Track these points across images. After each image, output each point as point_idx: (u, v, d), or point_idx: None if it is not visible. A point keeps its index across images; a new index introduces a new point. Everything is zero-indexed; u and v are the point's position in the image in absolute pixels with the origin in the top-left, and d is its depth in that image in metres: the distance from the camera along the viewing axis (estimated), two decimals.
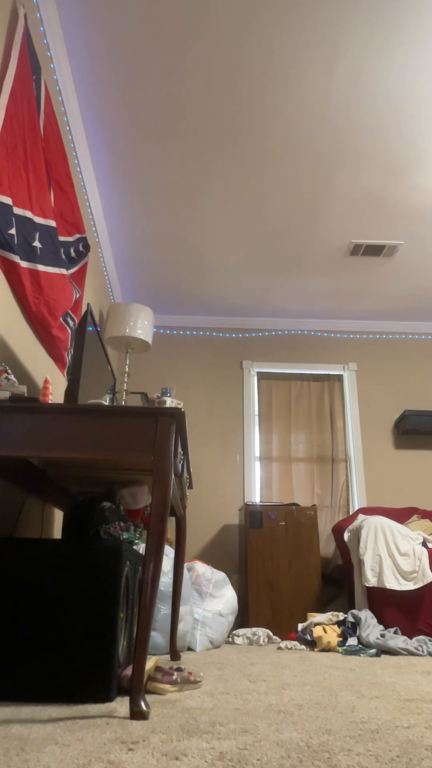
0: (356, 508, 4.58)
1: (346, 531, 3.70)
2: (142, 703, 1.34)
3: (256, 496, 4.65)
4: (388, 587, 3.30)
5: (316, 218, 3.73)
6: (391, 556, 3.40)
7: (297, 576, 3.80)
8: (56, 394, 2.83)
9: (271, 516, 3.93)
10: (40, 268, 2.23)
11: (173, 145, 3.12)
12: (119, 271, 4.41)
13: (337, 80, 2.70)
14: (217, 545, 4.48)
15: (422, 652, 2.90)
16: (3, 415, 1.51)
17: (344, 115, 2.90)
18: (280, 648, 3.04)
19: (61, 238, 2.60)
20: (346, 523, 3.85)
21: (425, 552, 3.44)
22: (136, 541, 2.04)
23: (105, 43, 2.53)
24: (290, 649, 3.03)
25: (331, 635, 3.05)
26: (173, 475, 1.56)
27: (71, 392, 1.86)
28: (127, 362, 4.20)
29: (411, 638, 3.17)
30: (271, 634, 3.39)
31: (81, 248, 2.90)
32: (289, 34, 2.47)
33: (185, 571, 3.08)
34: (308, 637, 3.13)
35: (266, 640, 3.32)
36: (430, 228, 3.81)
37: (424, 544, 3.57)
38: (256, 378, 5.06)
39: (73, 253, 2.77)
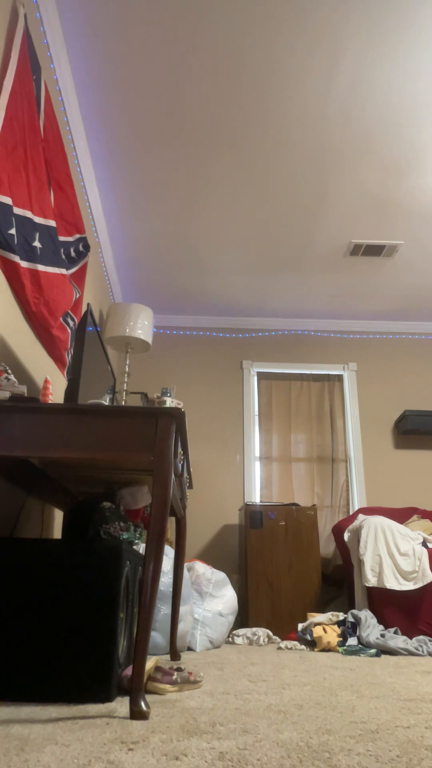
0: (356, 508, 4.58)
1: (346, 531, 3.69)
2: (142, 703, 1.34)
3: (256, 496, 4.65)
4: (388, 587, 3.30)
5: (316, 218, 3.73)
6: (391, 556, 3.40)
7: (297, 576, 3.80)
8: (56, 394, 2.83)
9: (271, 516, 3.93)
10: (40, 268, 2.23)
11: (173, 144, 3.12)
12: (119, 271, 4.41)
13: (336, 81, 2.70)
14: (217, 545, 4.48)
15: (422, 652, 2.90)
16: (3, 415, 1.51)
17: (344, 116, 2.90)
18: (280, 648, 3.04)
19: (61, 238, 2.60)
20: (346, 523, 3.85)
21: (425, 552, 3.44)
22: (136, 541, 2.04)
23: (105, 43, 2.53)
24: (290, 649, 3.03)
25: (331, 635, 3.05)
26: (173, 475, 1.56)
27: (71, 392, 1.86)
28: (127, 362, 4.20)
29: (411, 638, 3.17)
30: (271, 634, 3.39)
31: (81, 248, 2.90)
32: (289, 35, 2.47)
33: (185, 571, 3.08)
34: (308, 637, 3.13)
35: (266, 640, 3.32)
36: (430, 228, 3.81)
37: (424, 544, 3.57)
38: (256, 378, 5.06)
39: (73, 253, 2.77)
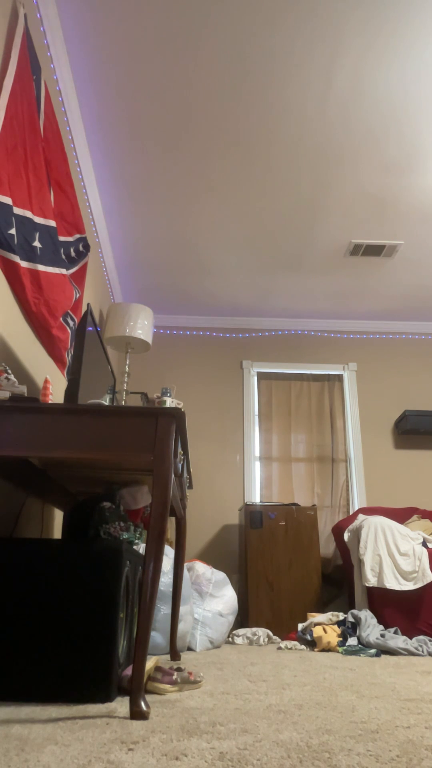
0: (356, 508, 4.58)
1: (346, 531, 3.70)
2: (142, 703, 1.34)
3: (256, 496, 4.65)
4: (388, 587, 3.30)
5: (316, 218, 3.73)
6: (391, 556, 3.40)
7: (297, 576, 3.80)
8: (56, 394, 2.83)
9: (271, 516, 3.93)
10: (40, 268, 2.23)
11: (173, 144, 3.12)
12: (119, 271, 4.41)
13: (337, 81, 2.70)
14: (217, 545, 4.48)
15: (422, 652, 2.90)
16: (3, 415, 1.51)
17: (344, 116, 2.90)
18: (280, 648, 3.04)
19: (61, 238, 2.60)
20: (346, 523, 3.85)
21: (425, 552, 3.44)
22: (136, 541, 2.04)
23: (105, 43, 2.53)
24: (290, 649, 3.03)
25: (331, 635, 3.05)
26: (173, 475, 1.56)
27: (71, 392, 1.86)
28: (127, 362, 4.20)
29: (411, 638, 3.17)
30: (271, 634, 3.39)
31: (81, 248, 2.90)
32: (290, 35, 2.47)
33: (185, 571, 3.08)
34: (308, 637, 3.13)
35: (266, 640, 3.32)
36: (430, 228, 3.81)
37: (424, 544, 3.57)
38: (256, 378, 5.06)
39: (73, 253, 2.77)
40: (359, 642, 3.03)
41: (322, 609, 3.76)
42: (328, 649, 2.98)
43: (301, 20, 2.41)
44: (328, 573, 4.21)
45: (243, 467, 4.72)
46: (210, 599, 3.14)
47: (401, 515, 4.23)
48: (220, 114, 2.91)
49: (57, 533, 2.91)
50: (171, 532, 3.80)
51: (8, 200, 1.92)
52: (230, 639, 3.37)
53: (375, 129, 2.98)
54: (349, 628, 3.14)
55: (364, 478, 4.71)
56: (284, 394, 4.99)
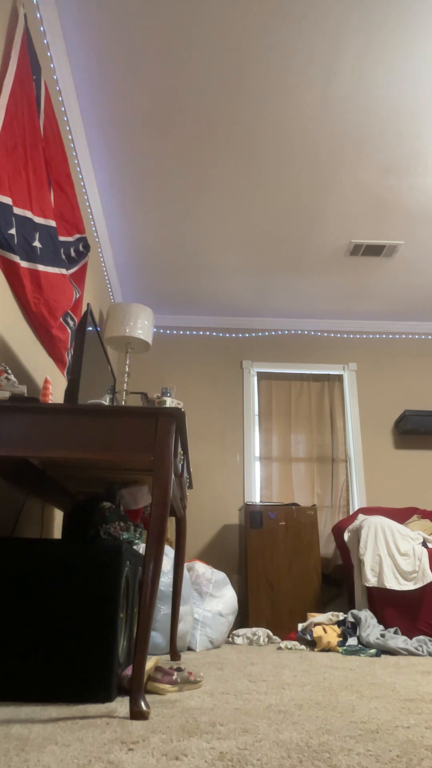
0: (356, 508, 4.58)
1: (346, 531, 3.69)
2: (142, 703, 1.34)
3: (256, 496, 4.65)
4: (388, 587, 3.30)
5: (316, 218, 3.73)
6: (391, 556, 3.40)
7: (297, 576, 3.80)
8: (56, 394, 2.83)
9: (271, 516, 3.93)
10: (40, 268, 2.23)
11: (173, 144, 3.12)
12: (119, 271, 4.41)
13: (337, 80, 2.70)
14: (217, 545, 4.48)
15: (422, 652, 2.90)
16: (3, 415, 1.51)
17: (344, 115, 2.90)
18: (280, 648, 3.04)
19: (61, 238, 2.60)
20: (346, 523, 3.85)
21: (425, 552, 3.44)
22: (136, 541, 2.04)
23: (105, 43, 2.53)
24: (290, 649, 3.03)
25: (331, 635, 3.05)
26: (173, 475, 1.56)
27: (71, 392, 1.86)
28: (127, 362, 4.20)
29: (411, 638, 3.17)
30: (271, 634, 3.39)
31: (81, 248, 2.90)
32: (289, 34, 2.47)
33: (185, 571, 3.08)
34: (308, 637, 3.13)
35: (266, 640, 3.32)
36: (430, 228, 3.81)
37: (424, 544, 3.57)
38: (256, 378, 5.06)
39: (73, 253, 2.77)
40: (359, 642, 3.03)
41: (322, 609, 3.76)
42: (328, 649, 2.98)
43: (300, 19, 2.41)
44: (328, 573, 4.21)
45: (243, 467, 4.72)
46: (210, 599, 3.14)
47: (401, 515, 4.23)
48: (221, 114, 2.91)
49: (57, 533, 2.91)
50: (171, 532, 3.80)
51: (8, 200, 1.92)
52: (230, 639, 3.37)
53: (375, 128, 2.98)
54: (349, 628, 3.14)
55: (364, 478, 4.71)
56: (284, 394, 4.99)
